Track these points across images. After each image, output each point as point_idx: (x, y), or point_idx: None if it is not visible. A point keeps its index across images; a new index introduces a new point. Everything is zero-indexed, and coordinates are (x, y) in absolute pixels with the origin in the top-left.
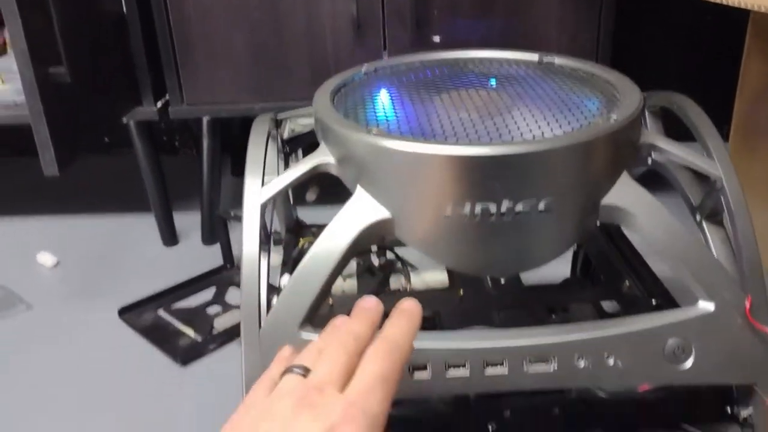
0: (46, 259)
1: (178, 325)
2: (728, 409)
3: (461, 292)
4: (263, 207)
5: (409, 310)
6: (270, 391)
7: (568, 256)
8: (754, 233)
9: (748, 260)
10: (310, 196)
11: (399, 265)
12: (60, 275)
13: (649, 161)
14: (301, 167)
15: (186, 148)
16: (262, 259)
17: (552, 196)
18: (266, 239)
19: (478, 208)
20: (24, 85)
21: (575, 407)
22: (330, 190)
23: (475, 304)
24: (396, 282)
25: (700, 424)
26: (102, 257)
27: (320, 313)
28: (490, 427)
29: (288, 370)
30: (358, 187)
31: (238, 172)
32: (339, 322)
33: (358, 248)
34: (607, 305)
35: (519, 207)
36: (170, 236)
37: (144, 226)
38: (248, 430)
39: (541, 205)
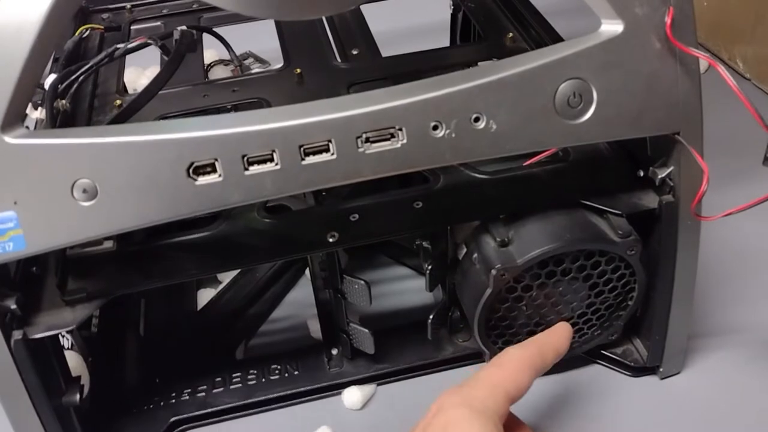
0: None
1: None
2: (640, 172)
3: (299, 70)
4: None
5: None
6: None
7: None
8: None
9: None
10: None
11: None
12: None
13: None
14: None
15: None
16: None
17: None
18: None
19: None
20: None
21: (441, 198)
22: None
23: (318, 84)
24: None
25: (604, 197)
26: None
27: None
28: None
29: None
30: None
31: None
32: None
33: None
34: None
35: None
36: None
37: None
38: None
39: None
